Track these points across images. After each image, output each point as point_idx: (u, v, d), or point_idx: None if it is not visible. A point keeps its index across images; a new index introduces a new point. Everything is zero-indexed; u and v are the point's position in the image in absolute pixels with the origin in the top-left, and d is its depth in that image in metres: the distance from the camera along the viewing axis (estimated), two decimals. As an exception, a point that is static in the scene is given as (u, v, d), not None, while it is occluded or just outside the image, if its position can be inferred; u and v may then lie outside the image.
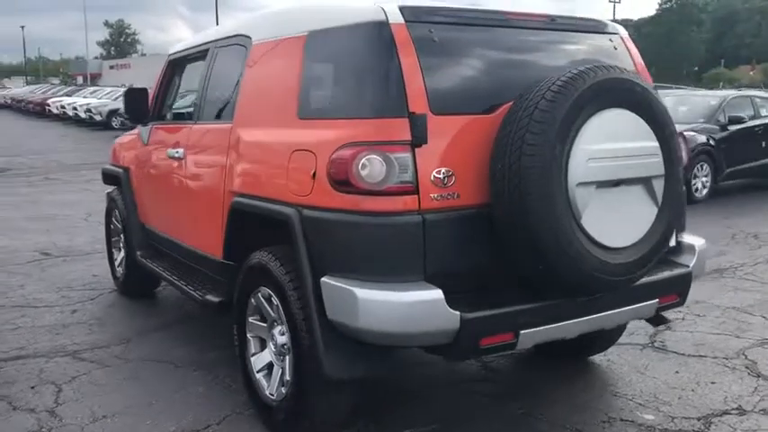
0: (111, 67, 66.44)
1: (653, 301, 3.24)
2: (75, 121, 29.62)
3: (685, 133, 10.26)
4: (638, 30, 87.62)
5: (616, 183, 2.86)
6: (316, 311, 2.89)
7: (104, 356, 4.43)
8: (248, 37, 3.78)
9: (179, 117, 4.73)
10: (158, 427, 3.49)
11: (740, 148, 11.23)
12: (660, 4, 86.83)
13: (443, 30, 3.00)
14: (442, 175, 2.78)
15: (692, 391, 3.88)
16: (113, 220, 5.78)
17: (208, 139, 3.99)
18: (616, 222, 2.87)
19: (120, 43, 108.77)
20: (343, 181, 2.75)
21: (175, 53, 4.92)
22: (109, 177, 5.77)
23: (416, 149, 2.75)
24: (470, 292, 2.85)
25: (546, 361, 4.30)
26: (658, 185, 2.98)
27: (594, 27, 3.50)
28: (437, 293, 2.67)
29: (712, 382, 3.99)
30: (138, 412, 3.65)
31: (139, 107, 4.81)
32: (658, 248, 3.00)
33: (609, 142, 2.81)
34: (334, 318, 2.82)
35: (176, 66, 4.89)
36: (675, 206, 3.07)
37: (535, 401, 3.78)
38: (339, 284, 2.77)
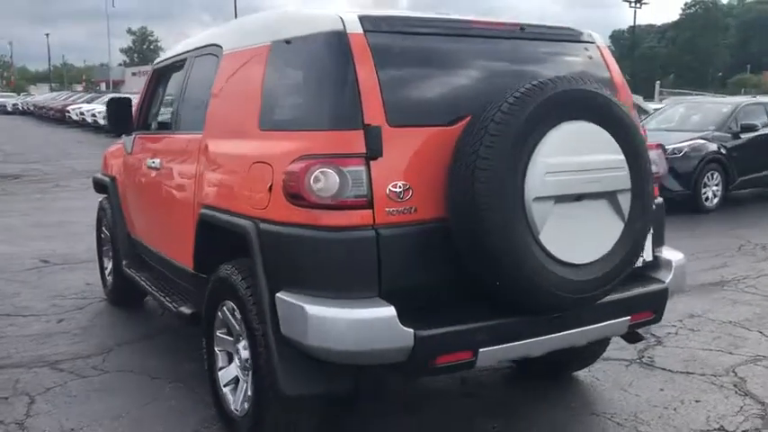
0: (134, 74, 67.09)
1: (625, 318, 3.14)
2: (94, 127, 29.90)
3: (672, 145, 10.05)
4: (661, 35, 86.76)
5: (578, 197, 2.78)
6: (272, 327, 2.83)
7: (83, 367, 4.40)
8: (220, 46, 3.74)
9: (159, 127, 4.71)
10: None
11: (753, 157, 11.00)
12: (684, 9, 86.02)
13: (405, 39, 2.94)
14: (398, 189, 2.71)
15: (675, 410, 3.76)
16: (103, 228, 5.78)
17: (181, 149, 3.97)
18: (578, 238, 2.78)
19: (143, 50, 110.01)
20: (296, 194, 2.69)
21: (159, 62, 4.91)
22: (99, 186, 5.78)
23: (371, 162, 2.69)
24: (429, 309, 2.77)
25: (527, 377, 4.21)
26: (624, 200, 2.88)
27: (569, 36, 3.42)
28: (389, 311, 2.60)
29: (696, 401, 3.87)
30: (107, 425, 3.62)
31: (121, 117, 4.80)
32: (625, 265, 2.91)
33: (569, 156, 2.72)
34: (287, 334, 2.76)
35: (160, 75, 4.87)
36: (645, 221, 2.97)
37: (511, 420, 3.69)
38: (291, 300, 2.71)
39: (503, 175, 2.59)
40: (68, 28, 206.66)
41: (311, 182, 2.64)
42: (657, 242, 3.45)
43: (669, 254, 3.47)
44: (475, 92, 2.94)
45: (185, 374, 4.22)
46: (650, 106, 16.22)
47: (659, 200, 3.52)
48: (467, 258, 2.72)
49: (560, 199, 2.72)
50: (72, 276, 6.65)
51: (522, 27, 3.23)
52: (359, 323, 2.60)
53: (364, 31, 2.84)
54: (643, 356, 4.54)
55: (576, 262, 2.77)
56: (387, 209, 2.69)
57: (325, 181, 2.64)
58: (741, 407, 3.79)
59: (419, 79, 2.92)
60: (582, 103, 2.77)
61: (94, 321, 5.34)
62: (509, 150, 2.60)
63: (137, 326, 5.21)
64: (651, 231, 3.36)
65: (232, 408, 3.32)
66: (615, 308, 3.10)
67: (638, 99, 17.50)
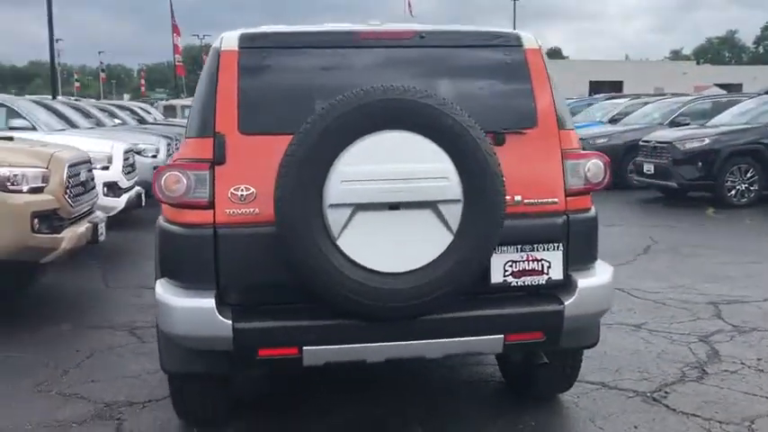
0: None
1: (496, 336, 2.99)
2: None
3: None
4: None
5: (393, 206, 2.75)
6: None
7: (151, 334, 5.20)
8: None
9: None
10: (116, 393, 4.12)
11: None
12: None
13: (281, 54, 3.15)
14: (240, 192, 2.95)
15: (625, 451, 3.38)
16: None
17: None
18: (391, 246, 2.76)
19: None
20: (155, 194, 3.08)
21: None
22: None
23: (217, 167, 2.97)
24: (270, 305, 2.99)
25: (499, 395, 4.06)
26: (450, 211, 2.77)
27: (483, 41, 3.28)
28: (208, 302, 2.87)
29: (662, 446, 3.43)
30: (120, 381, 4.33)
31: None
32: (452, 278, 2.78)
33: (373, 164, 2.72)
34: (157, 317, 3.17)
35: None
36: (486, 234, 2.80)
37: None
38: (156, 287, 3.10)
39: (294, 181, 2.71)
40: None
41: (162, 183, 3.00)
42: (577, 260, 3.16)
43: (585, 273, 3.16)
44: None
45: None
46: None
47: (589, 214, 3.23)
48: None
49: (364, 207, 2.73)
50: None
51: (421, 35, 3.22)
52: (185, 311, 2.92)
53: (240, 48, 3.11)
54: (661, 390, 4.06)
55: (387, 270, 2.76)
56: (227, 210, 2.95)
57: (173, 183, 2.98)
58: (710, 460, 3.28)
59: (282, 90, 3.10)
60: (398, 112, 2.73)
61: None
62: (302, 158, 2.71)
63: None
64: (562, 249, 3.13)
65: None
66: (483, 324, 2.97)
67: None
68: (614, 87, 45.35)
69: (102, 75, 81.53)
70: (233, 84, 3.05)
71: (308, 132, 2.74)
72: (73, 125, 11.33)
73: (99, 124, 13.95)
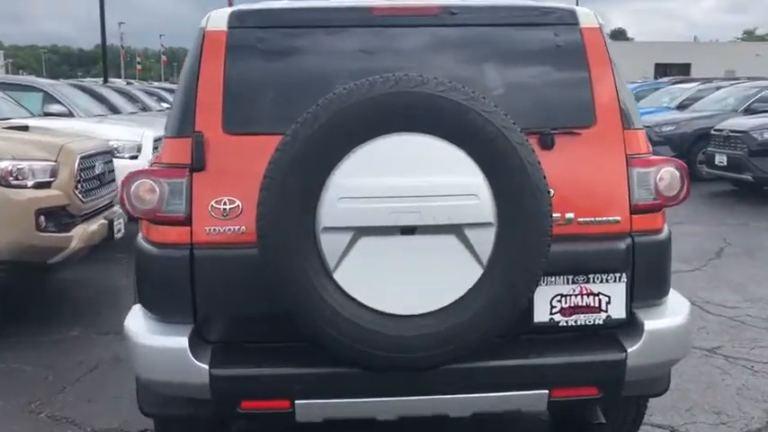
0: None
1: (539, 391, 2.37)
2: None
3: None
4: None
5: (406, 230, 2.15)
6: None
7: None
8: None
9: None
10: (111, 418, 3.66)
11: None
12: None
13: (280, 36, 2.57)
14: (222, 206, 2.40)
15: None
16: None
17: None
18: (402, 282, 2.16)
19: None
20: (122, 205, 2.55)
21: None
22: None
23: (195, 174, 2.42)
24: (261, 345, 2.44)
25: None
26: (479, 237, 2.14)
27: (530, 18, 2.63)
28: (179, 341, 2.34)
29: None
30: (115, 404, 3.82)
31: None
32: (480, 323, 2.17)
33: (380, 177, 2.12)
34: None
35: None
36: (526, 266, 2.17)
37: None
38: (127, 317, 2.59)
39: (281, 196, 2.13)
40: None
41: (130, 193, 2.46)
42: (644, 295, 2.52)
43: (659, 312, 2.51)
44: None
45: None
46: None
47: (660, 236, 2.57)
48: None
49: (369, 231, 2.13)
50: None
51: (451, 11, 2.59)
52: (152, 351, 2.40)
53: (229, 27, 2.55)
54: (746, 442, 3.38)
55: (396, 312, 2.16)
56: (207, 227, 2.40)
57: (144, 192, 2.44)
58: None
59: (284, 81, 2.53)
60: (414, 110, 2.12)
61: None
62: (290, 168, 2.13)
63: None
64: (625, 280, 2.49)
65: None
66: (522, 375, 2.37)
67: None
68: (682, 70, 43.52)
69: (164, 58, 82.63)
70: (218, 72, 2.49)
71: (298, 135, 2.16)
72: (116, 111, 11.06)
73: (145, 109, 13.71)
